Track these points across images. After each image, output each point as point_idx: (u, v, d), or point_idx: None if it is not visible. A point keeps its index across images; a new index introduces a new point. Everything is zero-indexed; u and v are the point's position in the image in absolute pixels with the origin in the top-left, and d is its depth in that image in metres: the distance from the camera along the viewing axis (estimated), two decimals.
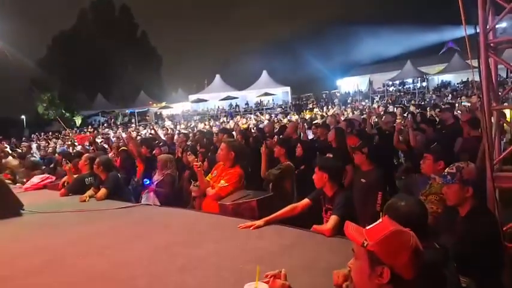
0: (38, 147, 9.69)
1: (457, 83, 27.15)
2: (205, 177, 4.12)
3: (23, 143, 12.47)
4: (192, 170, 5.11)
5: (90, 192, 4.34)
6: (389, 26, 38.85)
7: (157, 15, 50.09)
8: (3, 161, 6.95)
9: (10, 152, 7.72)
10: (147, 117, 33.32)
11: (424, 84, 29.25)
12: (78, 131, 21.32)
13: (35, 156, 8.03)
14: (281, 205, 3.56)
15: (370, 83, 28.88)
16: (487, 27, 2.63)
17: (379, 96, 27.09)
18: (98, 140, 11.02)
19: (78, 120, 35.92)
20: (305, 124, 7.61)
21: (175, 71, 46.98)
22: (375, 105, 16.74)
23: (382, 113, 10.45)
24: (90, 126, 25.76)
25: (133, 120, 29.41)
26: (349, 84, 34.26)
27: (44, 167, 6.60)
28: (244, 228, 2.73)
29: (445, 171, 2.26)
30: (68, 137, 14.43)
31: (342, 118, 10.56)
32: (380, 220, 1.34)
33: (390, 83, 30.52)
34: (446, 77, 29.30)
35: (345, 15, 48.23)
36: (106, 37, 42.32)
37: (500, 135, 3.08)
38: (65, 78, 39.60)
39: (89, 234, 3.03)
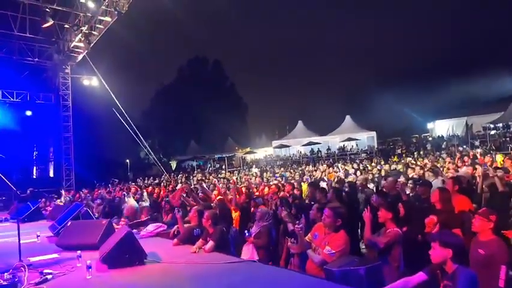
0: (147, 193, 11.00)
1: None
2: (305, 236, 4.19)
3: (132, 189, 14.16)
4: (286, 224, 5.26)
5: (199, 243, 4.77)
6: (487, 64, 35.66)
7: (244, 68, 54.54)
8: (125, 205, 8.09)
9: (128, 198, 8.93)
10: (233, 162, 35.33)
11: None
12: (174, 175, 23.47)
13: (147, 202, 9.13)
14: (388, 273, 3.46)
15: (468, 126, 26.29)
16: None
17: (479, 141, 24.32)
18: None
19: (173, 165, 39.71)
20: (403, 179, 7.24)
21: (259, 118, 49.71)
22: (477, 152, 15.02)
23: (488, 164, 9.33)
24: (182, 172, 28.20)
25: (223, 167, 31.38)
26: (443, 128, 31.70)
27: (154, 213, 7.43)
28: None
29: None
30: (168, 182, 16.22)
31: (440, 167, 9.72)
32: None
33: (492, 126, 27.31)
34: None
35: (436, 54, 45.91)
36: (200, 89, 47.34)
37: None
38: (163, 126, 44.93)
39: None
